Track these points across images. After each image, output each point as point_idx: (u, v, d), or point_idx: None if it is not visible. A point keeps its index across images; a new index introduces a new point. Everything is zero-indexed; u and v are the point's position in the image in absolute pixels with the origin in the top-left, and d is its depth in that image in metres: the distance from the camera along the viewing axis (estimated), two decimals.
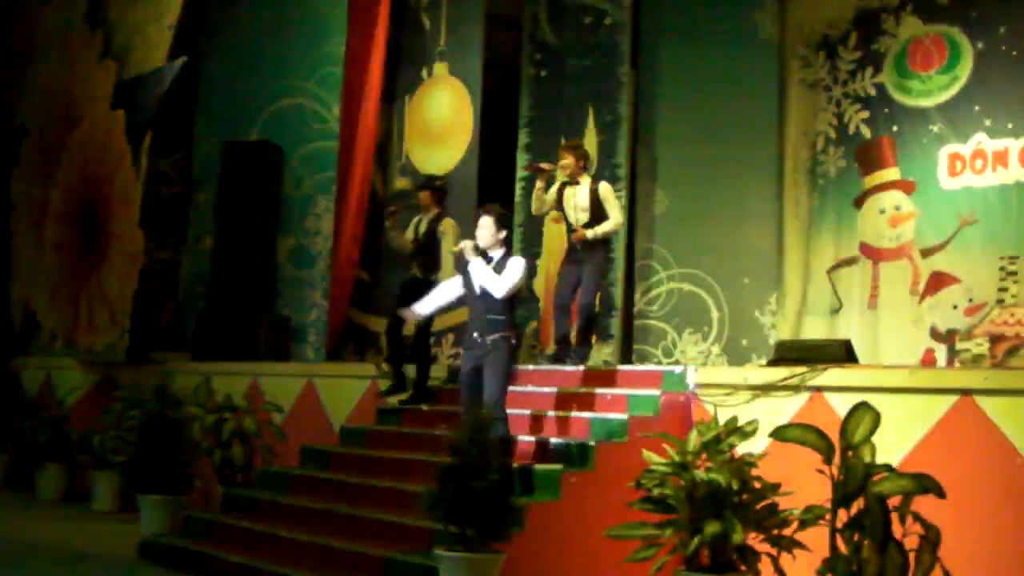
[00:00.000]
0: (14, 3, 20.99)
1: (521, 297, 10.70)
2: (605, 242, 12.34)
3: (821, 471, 8.48)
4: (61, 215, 18.66)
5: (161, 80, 17.64)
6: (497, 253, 10.37)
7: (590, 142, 14.14)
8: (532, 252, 14.43)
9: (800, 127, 13.18)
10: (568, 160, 12.29)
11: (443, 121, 15.96)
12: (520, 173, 14.72)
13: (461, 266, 10.57)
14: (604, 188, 12.24)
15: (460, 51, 15.85)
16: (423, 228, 12.68)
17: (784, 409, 10.16)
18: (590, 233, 12.04)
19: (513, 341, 10.41)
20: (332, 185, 16.25)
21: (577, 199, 12.21)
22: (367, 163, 16.07)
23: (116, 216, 17.50)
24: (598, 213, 12.12)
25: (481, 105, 15.49)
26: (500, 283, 10.18)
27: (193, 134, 18.46)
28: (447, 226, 12.65)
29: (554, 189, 12.39)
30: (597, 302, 12.94)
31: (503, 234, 10.44)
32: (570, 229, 12.32)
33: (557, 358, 12.25)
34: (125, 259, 17.19)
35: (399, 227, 13.07)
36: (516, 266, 10.29)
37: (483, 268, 10.24)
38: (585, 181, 12.27)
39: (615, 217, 12.20)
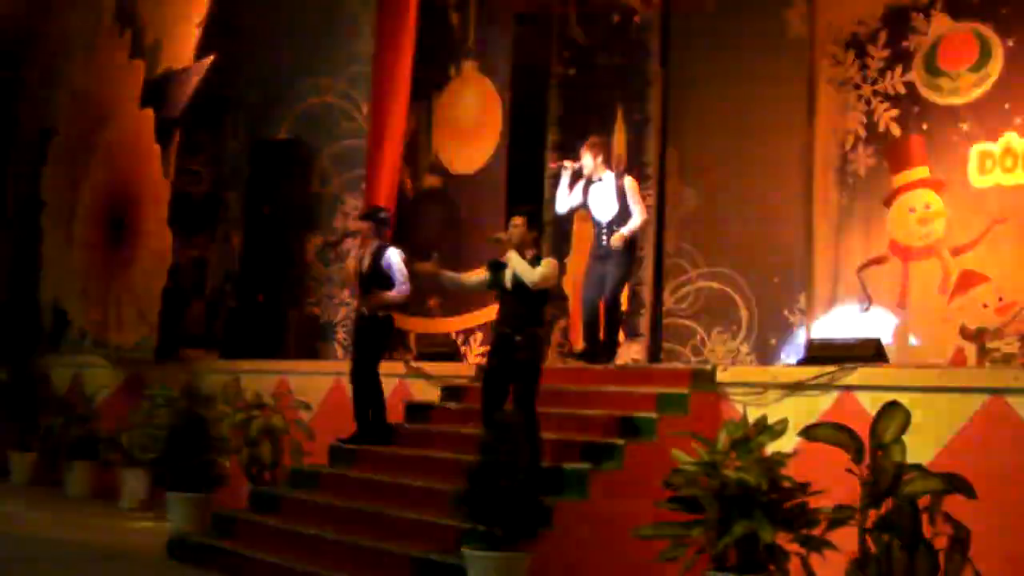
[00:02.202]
0: (43, 2, 21.03)
1: (550, 295, 10.70)
2: (630, 239, 12.37)
3: (851, 471, 8.43)
4: (90, 214, 18.72)
5: (190, 79, 17.67)
6: (529, 252, 10.50)
7: (619, 141, 14.16)
8: (560, 251, 14.40)
9: (829, 125, 13.10)
10: (586, 158, 12.40)
11: (472, 119, 15.98)
12: (549, 171, 14.69)
13: (489, 262, 10.64)
14: (629, 183, 12.38)
15: (489, 49, 15.86)
16: (366, 262, 12.44)
17: (813, 408, 10.08)
18: (626, 231, 12.12)
19: (542, 338, 10.45)
20: (360, 183, 16.26)
21: (602, 195, 12.31)
22: (396, 161, 16.05)
23: (145, 215, 17.55)
24: (623, 208, 12.21)
25: (510, 103, 15.52)
26: (534, 273, 10.25)
27: (222, 133, 18.47)
28: (393, 257, 12.33)
29: (564, 188, 12.54)
30: (624, 300, 12.97)
31: (534, 234, 10.66)
32: (596, 226, 12.38)
33: (585, 356, 12.25)
34: (154, 257, 17.23)
35: (338, 260, 13.00)
36: (548, 263, 10.40)
37: (519, 259, 10.34)
38: (609, 177, 12.38)
39: (639, 213, 12.29)
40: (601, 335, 12.25)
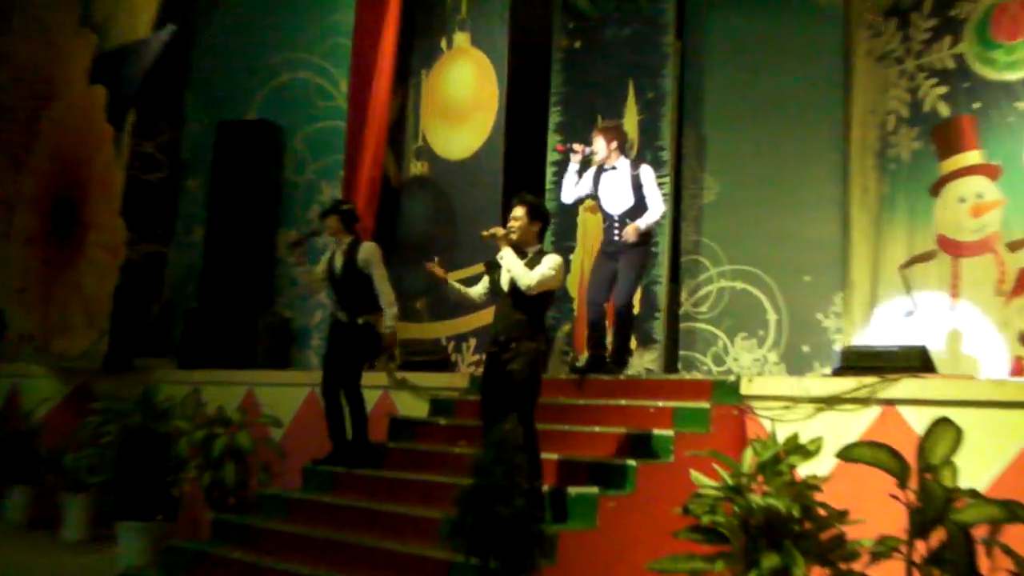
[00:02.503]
0: None
1: (554, 297, 10.58)
2: (645, 233, 12.29)
3: (895, 496, 8.37)
4: (33, 204, 18.59)
5: (147, 52, 17.59)
6: (532, 248, 10.35)
7: (630, 122, 14.08)
8: (565, 246, 14.35)
9: (868, 105, 13.03)
10: (598, 143, 12.37)
11: (464, 98, 15.91)
12: (552, 156, 14.60)
13: (487, 262, 10.54)
14: (645, 172, 12.37)
15: (484, 20, 15.78)
16: (339, 261, 12.36)
17: (852, 425, 10.06)
18: (642, 223, 12.06)
19: (543, 347, 10.34)
20: (339, 170, 16.18)
21: (615, 185, 12.28)
22: (379, 145, 15.94)
23: (95, 205, 17.44)
24: (638, 200, 12.18)
25: (508, 80, 15.42)
26: (531, 275, 10.09)
27: (182, 113, 18.44)
28: (368, 252, 12.25)
29: (572, 175, 12.58)
30: (637, 302, 12.90)
31: (537, 226, 10.43)
32: (607, 219, 12.34)
33: (592, 366, 12.17)
34: (104, 253, 17.12)
35: (307, 262, 12.83)
36: (550, 261, 10.22)
37: (514, 259, 10.19)
38: (623, 165, 12.35)
39: (657, 205, 12.25)
40: (609, 341, 12.19)
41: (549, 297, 10.42)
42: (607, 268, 12.30)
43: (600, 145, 12.45)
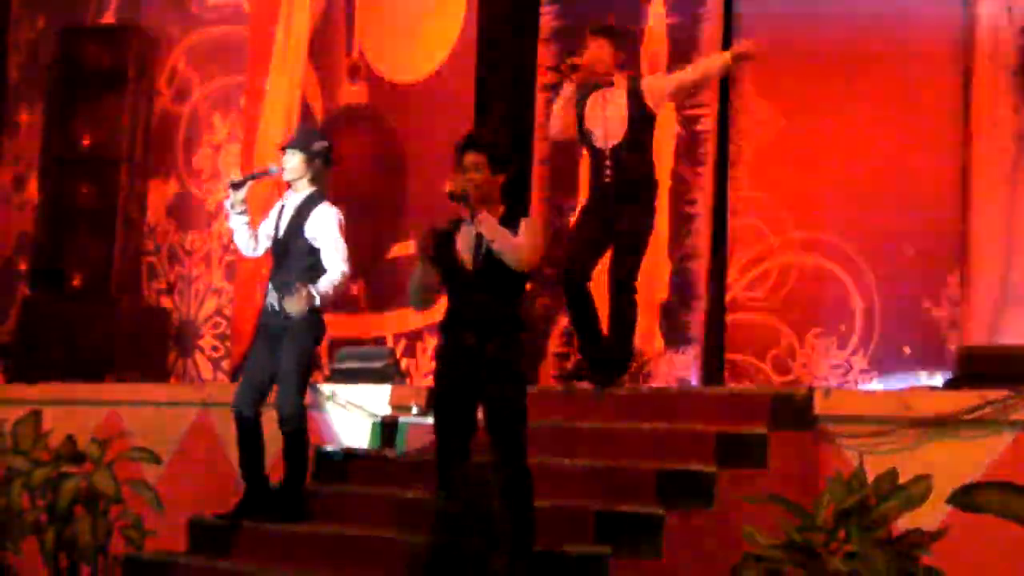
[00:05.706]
0: None
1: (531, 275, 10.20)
2: (651, 175, 12.33)
3: None
4: None
5: None
6: (496, 209, 9.87)
7: (658, 28, 14.06)
8: (560, 206, 14.34)
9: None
10: (600, 50, 12.29)
11: None
12: (544, 78, 14.62)
13: (429, 232, 9.93)
14: (650, 82, 12.37)
15: None
16: (285, 220, 11.89)
17: (973, 458, 10.07)
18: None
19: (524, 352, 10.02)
20: (239, 97, 16.17)
21: (610, 110, 12.29)
22: (296, 61, 15.94)
23: None
24: (640, 129, 12.18)
25: None
26: (521, 246, 9.69)
27: (7, 15, 18.35)
28: (329, 220, 11.73)
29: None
30: (664, 285, 12.89)
31: (500, 179, 9.93)
32: (594, 157, 12.36)
33: (578, 371, 12.18)
34: None
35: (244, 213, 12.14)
36: (533, 225, 9.91)
37: (496, 227, 9.67)
38: (623, 84, 12.35)
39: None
40: (605, 333, 12.15)
41: (526, 279, 10.03)
42: (593, 232, 12.24)
43: (602, 53, 12.32)
